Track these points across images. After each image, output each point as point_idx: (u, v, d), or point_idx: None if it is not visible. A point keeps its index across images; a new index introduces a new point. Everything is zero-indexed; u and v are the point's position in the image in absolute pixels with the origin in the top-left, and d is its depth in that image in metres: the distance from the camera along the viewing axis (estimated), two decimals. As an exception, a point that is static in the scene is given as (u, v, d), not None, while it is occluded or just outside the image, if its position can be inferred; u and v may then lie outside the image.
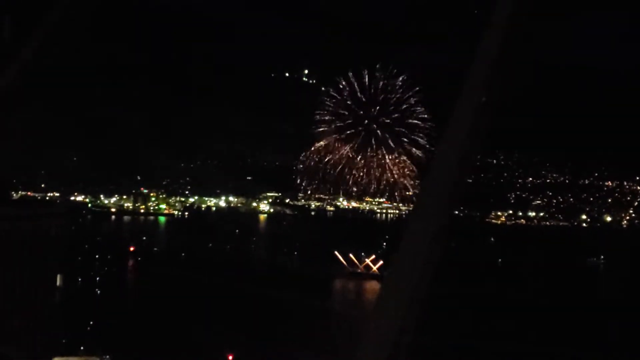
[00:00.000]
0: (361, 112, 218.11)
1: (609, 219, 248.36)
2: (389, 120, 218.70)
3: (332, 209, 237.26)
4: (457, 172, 5.59)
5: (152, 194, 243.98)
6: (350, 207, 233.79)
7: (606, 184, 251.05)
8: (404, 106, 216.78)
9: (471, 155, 5.72)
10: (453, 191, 5.63)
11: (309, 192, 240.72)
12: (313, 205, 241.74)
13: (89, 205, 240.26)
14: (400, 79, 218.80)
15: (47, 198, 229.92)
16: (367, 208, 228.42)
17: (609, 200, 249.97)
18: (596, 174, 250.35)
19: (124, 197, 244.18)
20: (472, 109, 5.67)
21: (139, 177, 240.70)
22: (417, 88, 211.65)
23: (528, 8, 5.55)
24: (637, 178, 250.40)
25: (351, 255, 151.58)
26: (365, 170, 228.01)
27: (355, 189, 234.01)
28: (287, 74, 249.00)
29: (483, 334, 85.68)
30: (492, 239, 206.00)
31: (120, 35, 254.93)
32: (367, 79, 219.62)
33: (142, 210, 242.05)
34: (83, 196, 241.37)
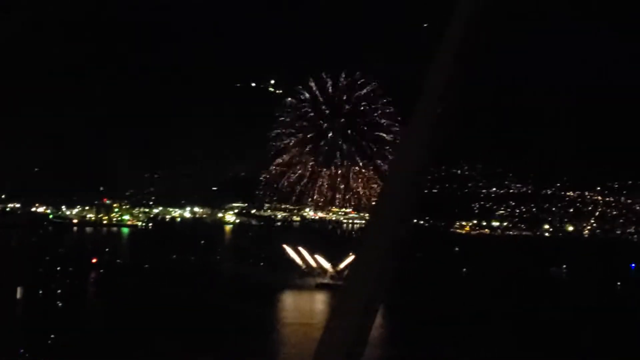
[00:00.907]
0: (325, 125, 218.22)
1: (570, 228, 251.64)
2: (354, 133, 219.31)
3: (298, 219, 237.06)
4: (413, 184, 5.52)
5: (115, 205, 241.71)
6: (317, 217, 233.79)
7: (568, 194, 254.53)
8: (371, 118, 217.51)
9: (427, 167, 5.66)
10: (409, 202, 5.54)
11: (274, 203, 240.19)
12: (279, 216, 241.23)
13: (51, 216, 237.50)
14: (365, 90, 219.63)
15: (8, 209, 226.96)
16: (334, 218, 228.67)
17: (571, 210, 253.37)
18: (558, 184, 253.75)
19: (87, 208, 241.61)
20: (427, 120, 5.62)
21: (101, 188, 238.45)
22: (385, 100, 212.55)
23: (485, 21, 5.54)
24: (598, 188, 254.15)
25: (301, 250, 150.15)
26: (330, 182, 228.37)
27: (322, 200, 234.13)
28: (253, 84, 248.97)
29: (444, 344, 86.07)
30: (457, 249, 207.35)
31: (84, 45, 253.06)
32: (331, 90, 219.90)
33: (104, 222, 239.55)
34: (45, 207, 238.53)
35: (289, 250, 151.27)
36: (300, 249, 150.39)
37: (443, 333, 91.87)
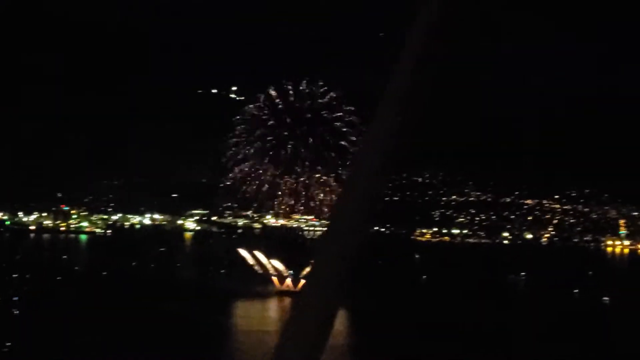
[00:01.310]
0: (285, 133, 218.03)
1: (529, 236, 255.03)
2: (315, 141, 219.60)
3: (259, 226, 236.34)
4: (371, 191, 5.51)
5: (73, 212, 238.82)
6: (278, 224, 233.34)
7: (527, 202, 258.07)
8: (332, 126, 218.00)
9: (386, 174, 5.65)
10: (367, 210, 5.54)
11: (235, 210, 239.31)
12: (240, 223, 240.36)
13: (7, 222, 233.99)
14: (327, 98, 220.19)
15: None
16: (295, 225, 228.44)
17: (530, 218, 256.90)
18: (517, 193, 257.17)
19: (44, 214, 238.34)
20: (387, 127, 5.61)
21: (59, 194, 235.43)
22: (347, 108, 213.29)
23: (446, 30, 5.61)
24: (557, 197, 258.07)
25: (257, 254, 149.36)
26: (291, 189, 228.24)
27: (283, 207, 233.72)
28: (214, 91, 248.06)
29: (403, 352, 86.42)
30: (417, 256, 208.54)
31: (40, 51, 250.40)
32: (292, 98, 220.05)
33: (63, 228, 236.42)
34: (1, 213, 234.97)
35: (245, 254, 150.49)
36: (257, 253, 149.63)
37: (400, 340, 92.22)
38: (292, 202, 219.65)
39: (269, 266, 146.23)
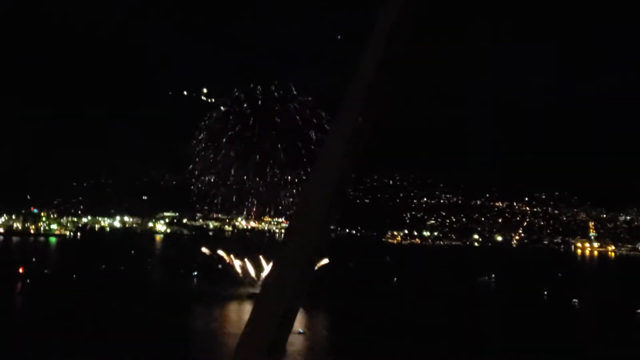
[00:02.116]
0: (256, 136, 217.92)
1: (499, 238, 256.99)
2: (285, 144, 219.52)
3: (230, 229, 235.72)
4: (332, 192, 5.58)
5: (42, 214, 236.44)
6: (249, 227, 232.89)
7: (497, 204, 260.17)
8: (302, 129, 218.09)
9: (347, 175, 5.73)
10: (328, 210, 5.61)
11: (206, 212, 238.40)
12: (211, 225, 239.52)
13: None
14: (297, 102, 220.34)
15: None
16: (266, 228, 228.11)
17: (500, 220, 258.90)
18: (487, 195, 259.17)
19: (13, 216, 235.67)
20: (347, 128, 5.69)
21: (28, 197, 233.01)
22: (317, 111, 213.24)
23: (405, 31, 5.68)
24: (526, 199, 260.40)
25: (221, 253, 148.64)
26: (261, 191, 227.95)
27: (254, 210, 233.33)
28: (185, 92, 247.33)
29: (376, 352, 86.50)
30: (388, 258, 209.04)
31: (18, 49, 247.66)
32: (261, 102, 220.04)
33: (32, 231, 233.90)
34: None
35: (206, 252, 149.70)
36: (220, 252, 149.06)
37: (370, 342, 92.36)
38: (262, 204, 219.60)
39: (237, 267, 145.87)
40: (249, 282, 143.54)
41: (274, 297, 5.64)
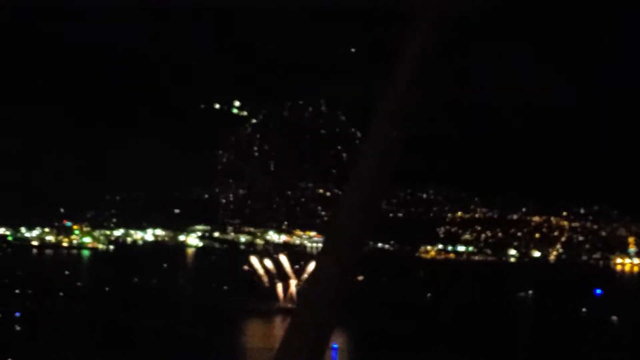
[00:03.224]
0: (286, 150, 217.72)
1: (537, 253, 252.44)
2: (315, 157, 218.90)
3: (262, 242, 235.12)
4: (365, 208, 5.74)
5: (75, 227, 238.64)
6: (281, 241, 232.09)
7: (534, 219, 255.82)
8: (334, 143, 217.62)
9: (381, 191, 5.91)
10: (362, 227, 5.77)
11: (237, 226, 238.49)
12: (243, 239, 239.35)
13: (9, 238, 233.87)
14: (327, 117, 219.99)
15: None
16: (298, 241, 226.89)
17: (537, 235, 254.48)
18: (524, 209, 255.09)
19: (46, 229, 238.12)
20: (382, 144, 5.87)
21: (62, 210, 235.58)
22: (348, 126, 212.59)
23: (439, 46, 6.09)
24: (564, 214, 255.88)
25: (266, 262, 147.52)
26: (291, 205, 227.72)
27: (285, 223, 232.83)
28: (217, 106, 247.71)
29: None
30: (422, 273, 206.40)
31: (46, 69, 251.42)
32: (293, 115, 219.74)
33: (65, 244, 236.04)
34: (3, 229, 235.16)
35: (255, 261, 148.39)
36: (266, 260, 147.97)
37: (402, 358, 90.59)
38: (293, 218, 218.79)
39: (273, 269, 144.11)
40: (285, 298, 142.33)
41: (308, 316, 5.66)
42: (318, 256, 6.07)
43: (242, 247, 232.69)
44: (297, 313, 5.87)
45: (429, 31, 6.27)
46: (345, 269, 5.81)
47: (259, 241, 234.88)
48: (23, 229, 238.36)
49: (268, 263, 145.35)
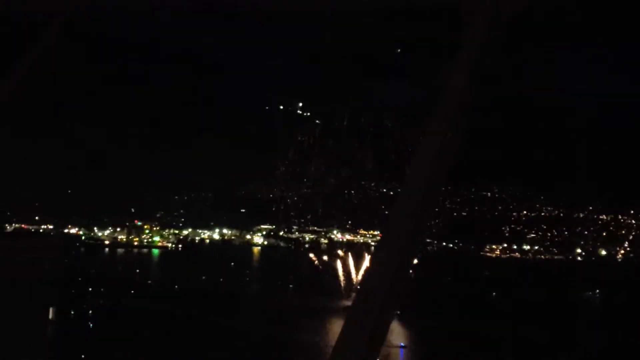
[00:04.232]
0: (353, 146, 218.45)
1: (603, 252, 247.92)
2: (375, 156, 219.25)
3: (326, 241, 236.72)
4: (422, 206, 5.60)
5: (145, 226, 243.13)
6: (344, 239, 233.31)
7: (601, 217, 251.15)
8: (395, 143, 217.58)
9: (436, 190, 5.76)
10: (418, 223, 5.60)
11: (302, 224, 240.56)
12: (307, 238, 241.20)
13: (83, 237, 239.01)
14: (390, 117, 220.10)
15: (41, 230, 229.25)
16: (362, 241, 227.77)
17: (604, 233, 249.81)
18: (590, 207, 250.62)
19: (118, 229, 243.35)
20: (438, 143, 5.73)
21: (132, 210, 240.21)
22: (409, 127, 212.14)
23: (496, 45, 5.69)
24: (632, 212, 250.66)
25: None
26: (354, 203, 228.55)
27: (349, 222, 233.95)
28: (281, 107, 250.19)
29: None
30: (487, 272, 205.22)
31: (113, 70, 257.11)
32: (351, 114, 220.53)
33: (135, 243, 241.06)
34: (77, 228, 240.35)
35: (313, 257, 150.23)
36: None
37: (469, 357, 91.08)
38: (357, 217, 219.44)
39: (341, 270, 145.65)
40: (345, 295, 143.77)
41: (366, 310, 5.64)
42: (375, 251, 6.32)
43: (307, 245, 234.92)
44: (354, 305, 5.98)
45: (486, 30, 6.08)
46: (401, 264, 5.78)
47: (323, 240, 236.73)
48: (96, 229, 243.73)
49: (337, 262, 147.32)
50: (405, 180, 5.99)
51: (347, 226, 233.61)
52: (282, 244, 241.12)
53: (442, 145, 5.82)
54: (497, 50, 5.97)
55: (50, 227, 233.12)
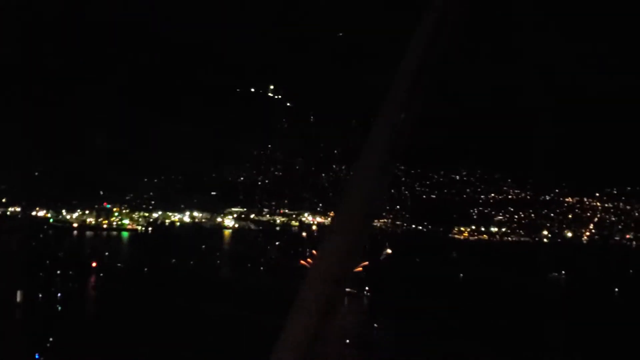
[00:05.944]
0: (320, 132, 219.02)
1: (569, 234, 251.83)
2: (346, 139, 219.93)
3: (296, 224, 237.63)
4: (373, 189, 5.95)
5: (115, 209, 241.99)
6: (315, 222, 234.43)
7: (567, 200, 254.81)
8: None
9: (388, 169, 6.10)
10: (369, 208, 5.94)
11: (273, 207, 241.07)
12: (278, 221, 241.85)
13: (51, 220, 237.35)
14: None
15: (8, 213, 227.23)
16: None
17: (570, 216, 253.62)
18: (557, 190, 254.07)
19: (87, 212, 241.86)
20: (391, 125, 6.10)
21: (101, 192, 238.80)
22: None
23: (450, 30, 5.97)
24: (597, 194, 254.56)
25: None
26: (325, 186, 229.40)
27: (320, 205, 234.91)
28: (252, 90, 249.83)
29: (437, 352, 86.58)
30: (455, 254, 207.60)
31: (85, 51, 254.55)
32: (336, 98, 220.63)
33: (105, 226, 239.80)
34: (44, 211, 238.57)
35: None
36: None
37: (433, 339, 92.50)
38: (327, 200, 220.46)
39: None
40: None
41: (309, 297, 5.77)
42: (326, 234, 6.19)
43: (277, 228, 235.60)
44: (303, 289, 5.95)
45: (442, 11, 6.10)
46: (352, 247, 5.90)
47: (294, 222, 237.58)
48: (64, 211, 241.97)
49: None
50: (356, 163, 6.35)
51: (318, 209, 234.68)
52: (252, 226, 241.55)
53: (395, 127, 6.22)
54: (453, 32, 6.34)
55: (18, 209, 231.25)
